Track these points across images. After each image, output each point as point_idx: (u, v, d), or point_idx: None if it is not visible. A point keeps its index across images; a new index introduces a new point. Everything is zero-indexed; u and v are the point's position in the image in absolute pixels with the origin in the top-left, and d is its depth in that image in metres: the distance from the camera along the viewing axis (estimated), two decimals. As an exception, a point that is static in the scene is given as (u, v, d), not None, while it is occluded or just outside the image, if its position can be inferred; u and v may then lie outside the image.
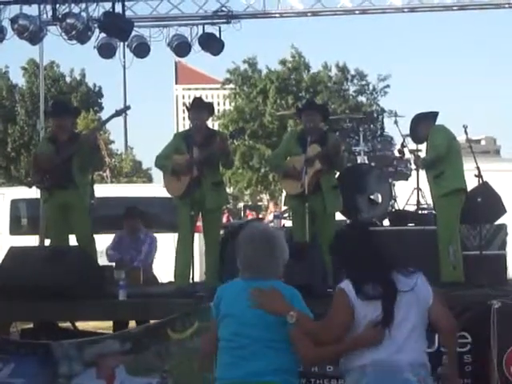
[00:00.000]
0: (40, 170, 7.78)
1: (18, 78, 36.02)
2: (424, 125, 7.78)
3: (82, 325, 8.30)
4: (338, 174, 8.24)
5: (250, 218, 19.51)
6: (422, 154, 8.26)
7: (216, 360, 4.08)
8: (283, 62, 36.27)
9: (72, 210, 7.77)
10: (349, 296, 3.97)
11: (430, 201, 8.52)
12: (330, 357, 4.10)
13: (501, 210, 8.23)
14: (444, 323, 4.10)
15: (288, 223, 10.37)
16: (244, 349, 3.90)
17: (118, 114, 7.97)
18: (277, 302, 3.88)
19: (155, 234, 9.17)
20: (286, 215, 10.19)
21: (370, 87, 36.48)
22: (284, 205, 8.84)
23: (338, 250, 4.25)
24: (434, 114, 7.86)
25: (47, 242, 9.12)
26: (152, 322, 6.93)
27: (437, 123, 7.80)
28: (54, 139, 8.00)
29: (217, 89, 63.92)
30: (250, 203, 34.37)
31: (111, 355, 6.50)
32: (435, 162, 7.57)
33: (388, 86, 36.11)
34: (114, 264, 8.52)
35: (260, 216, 20.08)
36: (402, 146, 9.09)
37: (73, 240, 7.98)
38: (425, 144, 8.10)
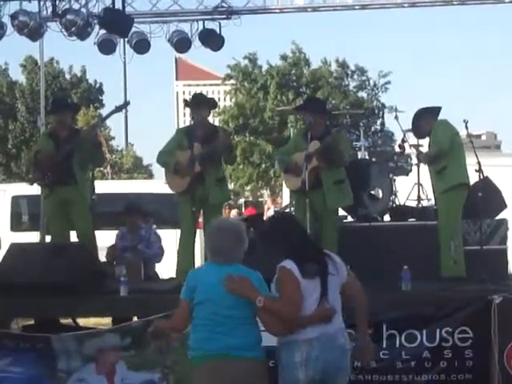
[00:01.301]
0: (41, 167, 7.78)
1: (18, 75, 36.04)
2: (427, 120, 7.78)
3: (82, 321, 8.30)
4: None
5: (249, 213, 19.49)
6: (424, 149, 8.26)
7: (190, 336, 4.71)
8: (284, 58, 36.26)
9: (73, 206, 7.78)
10: (295, 273, 4.57)
11: (430, 196, 8.52)
12: (293, 330, 4.61)
13: (501, 204, 8.23)
14: (360, 297, 4.87)
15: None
16: (223, 326, 4.54)
17: (118, 109, 7.98)
18: (246, 288, 4.56)
19: (157, 231, 9.15)
20: (286, 210, 10.19)
21: (371, 83, 36.46)
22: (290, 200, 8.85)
23: (276, 235, 4.82)
24: (437, 109, 7.86)
25: (48, 239, 9.13)
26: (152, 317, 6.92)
27: (439, 118, 7.81)
28: (55, 135, 8.01)
29: (217, 85, 63.96)
30: (250, 199, 34.39)
31: (111, 350, 6.51)
32: (438, 156, 7.57)
33: (389, 83, 36.11)
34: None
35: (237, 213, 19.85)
36: (403, 141, 9.08)
37: (73, 236, 7.99)
38: (426, 139, 8.11)
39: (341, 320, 4.73)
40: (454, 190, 7.51)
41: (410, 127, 8.21)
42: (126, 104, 8.12)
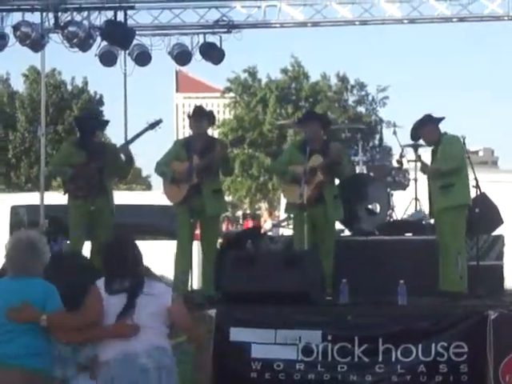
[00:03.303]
0: (76, 178, 7.87)
1: (19, 85, 36.13)
2: (433, 127, 7.77)
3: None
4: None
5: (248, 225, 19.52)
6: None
7: None
8: (285, 71, 36.40)
9: (100, 216, 7.86)
10: (99, 289, 4.73)
11: (427, 211, 8.54)
12: (88, 340, 4.86)
13: (498, 220, 8.27)
14: (182, 322, 4.85)
15: (286, 232, 10.40)
16: (4, 335, 4.68)
17: (150, 127, 8.04)
18: (26, 315, 4.70)
19: (155, 242, 9.19)
20: (284, 224, 10.23)
21: (370, 98, 36.60)
22: (285, 212, 8.86)
23: (103, 254, 5.03)
24: (441, 119, 7.88)
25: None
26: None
27: (449, 133, 7.81)
28: (84, 145, 8.04)
29: (217, 97, 64.08)
30: (248, 211, 34.44)
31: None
32: (450, 172, 7.50)
33: (387, 97, 36.26)
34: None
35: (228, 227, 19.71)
36: (401, 156, 9.13)
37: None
38: (425, 152, 8.15)
39: (151, 339, 4.67)
40: (459, 208, 7.51)
41: (410, 133, 8.15)
42: (159, 122, 8.12)
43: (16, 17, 9.46)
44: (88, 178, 7.82)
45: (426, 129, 7.78)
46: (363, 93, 36.84)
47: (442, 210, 7.58)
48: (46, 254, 4.92)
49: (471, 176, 7.83)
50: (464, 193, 7.57)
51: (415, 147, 8.87)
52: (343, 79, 36.75)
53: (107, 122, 8.69)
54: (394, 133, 9.45)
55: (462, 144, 7.72)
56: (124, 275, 4.71)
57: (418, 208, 9.16)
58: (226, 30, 9.97)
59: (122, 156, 8.12)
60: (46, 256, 4.91)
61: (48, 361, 4.82)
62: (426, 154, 8.31)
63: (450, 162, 7.57)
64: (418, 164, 8.35)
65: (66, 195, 8.00)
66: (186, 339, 5.32)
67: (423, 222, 8.81)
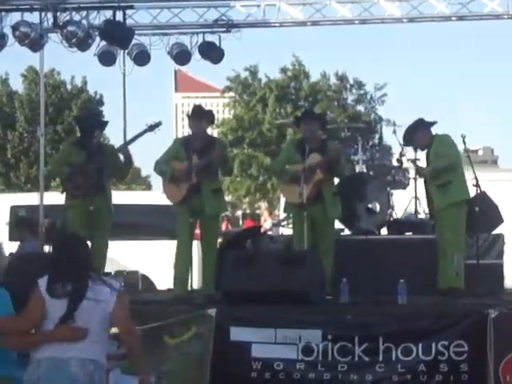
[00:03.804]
0: (75, 177, 7.85)
1: (18, 85, 36.09)
2: (424, 131, 7.79)
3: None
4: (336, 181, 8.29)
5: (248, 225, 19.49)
6: (419, 163, 8.29)
7: None
8: (284, 71, 36.41)
9: (100, 214, 7.86)
10: (41, 290, 4.52)
11: (427, 209, 8.54)
12: (30, 345, 4.60)
13: (498, 219, 8.27)
14: (121, 325, 4.67)
15: (286, 231, 10.40)
16: None
17: (150, 129, 8.05)
18: None
19: (155, 242, 9.18)
20: (284, 223, 10.22)
21: (368, 96, 36.60)
22: (284, 212, 8.86)
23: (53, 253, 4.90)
24: (432, 123, 7.89)
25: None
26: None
27: (439, 133, 7.82)
28: (84, 145, 8.05)
29: (216, 97, 64.09)
30: (248, 211, 34.44)
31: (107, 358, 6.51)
32: (446, 170, 7.53)
33: (385, 95, 36.28)
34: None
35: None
36: (401, 155, 9.13)
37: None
38: (421, 153, 8.16)
39: (89, 349, 4.50)
40: (459, 205, 7.52)
41: (403, 138, 8.17)
42: (158, 124, 8.12)
43: (15, 17, 9.46)
44: (86, 177, 7.81)
45: (419, 134, 7.82)
46: (362, 91, 36.84)
47: (442, 209, 7.59)
48: (2, 259, 4.82)
49: (471, 175, 7.83)
50: (462, 189, 7.58)
51: (415, 147, 8.87)
52: (342, 78, 36.75)
53: (106, 122, 8.72)
54: (394, 132, 9.47)
55: (453, 141, 7.72)
56: (68, 279, 4.50)
57: (418, 207, 9.15)
58: (225, 29, 9.96)
59: (121, 157, 8.12)
60: (1, 261, 4.81)
61: (13, 362, 4.78)
62: (422, 155, 8.31)
63: (443, 160, 7.59)
64: (417, 166, 8.37)
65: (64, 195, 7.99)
66: (187, 338, 5.28)
67: (424, 221, 8.81)
